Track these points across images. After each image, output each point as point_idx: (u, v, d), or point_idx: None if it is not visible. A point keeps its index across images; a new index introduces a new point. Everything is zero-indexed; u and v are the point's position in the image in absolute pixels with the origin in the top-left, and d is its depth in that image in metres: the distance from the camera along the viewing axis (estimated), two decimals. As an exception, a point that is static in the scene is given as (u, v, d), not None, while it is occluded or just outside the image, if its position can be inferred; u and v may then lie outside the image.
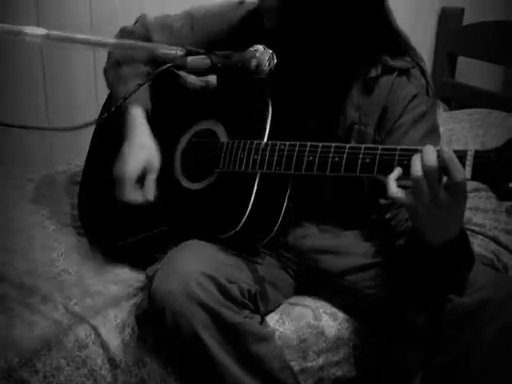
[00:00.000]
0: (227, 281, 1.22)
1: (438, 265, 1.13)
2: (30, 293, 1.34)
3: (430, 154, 1.02)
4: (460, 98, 2.65)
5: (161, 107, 1.44)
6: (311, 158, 1.18)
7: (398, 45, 1.35)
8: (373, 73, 1.32)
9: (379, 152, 1.11)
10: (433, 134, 1.31)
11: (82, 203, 1.62)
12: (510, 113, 2.27)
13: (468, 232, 1.63)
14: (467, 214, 1.74)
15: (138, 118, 1.38)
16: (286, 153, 1.22)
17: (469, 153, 1.01)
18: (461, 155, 1.01)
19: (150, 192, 1.31)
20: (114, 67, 1.50)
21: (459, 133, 2.11)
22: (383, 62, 1.32)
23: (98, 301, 1.33)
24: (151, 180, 1.32)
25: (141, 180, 1.32)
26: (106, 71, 1.53)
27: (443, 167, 1.01)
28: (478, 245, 1.62)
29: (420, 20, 2.67)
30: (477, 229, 1.69)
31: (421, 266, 1.16)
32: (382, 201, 1.28)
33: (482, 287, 1.19)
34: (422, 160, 1.02)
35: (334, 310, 1.39)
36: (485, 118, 2.24)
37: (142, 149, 1.34)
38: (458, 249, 1.11)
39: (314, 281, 1.43)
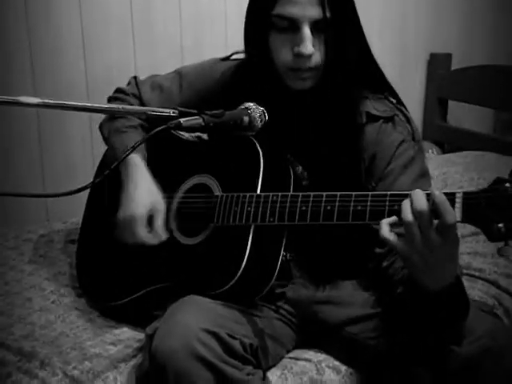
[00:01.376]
0: (229, 336, 1.20)
1: (436, 311, 1.12)
2: (28, 358, 1.32)
3: (419, 198, 1.02)
4: (453, 141, 2.68)
5: (154, 162, 1.45)
6: (304, 208, 1.19)
7: (381, 82, 1.37)
8: (358, 120, 1.33)
9: (370, 199, 1.12)
10: (423, 178, 1.32)
11: (79, 262, 1.62)
12: (503, 154, 2.30)
13: (468, 277, 1.66)
14: (466, 258, 1.74)
15: (139, 164, 1.38)
16: (278, 204, 1.23)
17: (457, 195, 1.01)
18: (450, 197, 1.01)
19: (162, 231, 1.31)
20: (109, 121, 1.52)
21: (454, 176, 2.13)
22: (367, 110, 1.33)
23: (97, 364, 1.31)
24: (160, 220, 1.32)
25: (148, 223, 1.32)
26: (101, 126, 1.55)
27: (434, 210, 1.01)
28: (479, 289, 1.62)
29: (409, 66, 2.72)
30: (476, 273, 1.68)
31: (419, 313, 1.15)
32: (378, 249, 1.28)
33: (480, 336, 1.17)
34: (412, 204, 1.02)
35: (337, 363, 1.37)
36: (478, 160, 2.26)
37: (145, 191, 1.34)
38: (455, 295, 1.11)
39: (314, 332, 1.41)
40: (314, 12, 1.23)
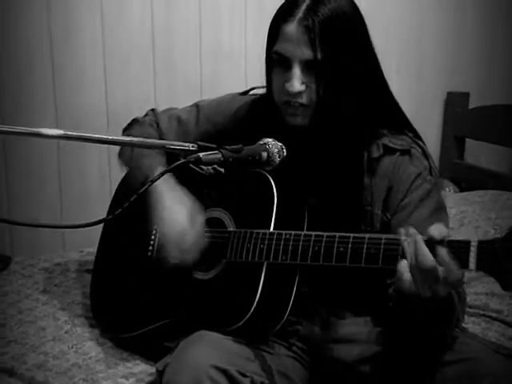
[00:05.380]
0: (239, 373, 1.19)
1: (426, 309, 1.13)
2: (39, 389, 1.32)
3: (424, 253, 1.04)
4: (470, 179, 2.67)
5: None
6: (316, 248, 1.19)
7: (398, 118, 1.38)
8: (375, 153, 1.34)
9: (383, 242, 1.12)
10: (439, 212, 1.31)
11: (93, 292, 1.62)
12: (521, 195, 2.28)
13: (485, 318, 1.63)
14: (484, 299, 1.72)
15: (167, 178, 1.35)
16: (291, 242, 1.23)
17: (472, 243, 1.01)
18: (464, 246, 1.02)
19: (204, 240, 1.31)
20: (128, 149, 1.52)
21: (471, 215, 2.11)
22: (384, 142, 1.34)
23: (108, 396, 1.31)
24: (201, 228, 1.30)
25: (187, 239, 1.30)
26: (120, 155, 1.56)
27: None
28: (496, 331, 1.59)
29: (426, 104, 2.73)
30: (494, 315, 1.66)
31: (411, 319, 1.18)
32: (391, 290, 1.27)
33: (498, 377, 1.15)
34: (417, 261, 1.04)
35: (350, 401, 1.35)
36: (496, 199, 2.24)
37: (183, 204, 1.32)
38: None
39: (327, 371, 1.39)
40: (305, 52, 1.25)
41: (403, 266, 1.07)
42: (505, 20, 2.81)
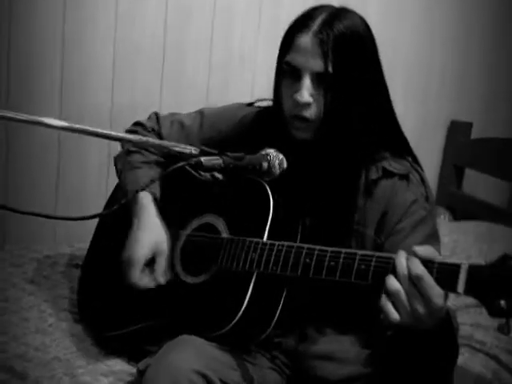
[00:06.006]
0: (220, 380, 1.20)
1: (426, 347, 1.11)
2: (18, 379, 1.31)
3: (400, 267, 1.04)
4: (466, 208, 2.68)
5: (167, 197, 1.46)
6: (308, 261, 1.19)
7: (400, 142, 1.39)
8: (373, 175, 1.34)
9: (374, 259, 1.12)
10: (432, 239, 1.31)
11: (81, 289, 1.62)
12: (515, 228, 2.29)
13: (469, 349, 1.63)
14: (469, 330, 1.72)
15: (147, 203, 1.41)
16: (283, 253, 1.23)
17: (462, 266, 1.01)
18: (454, 268, 1.02)
19: (161, 275, 1.35)
20: (125, 155, 1.54)
21: (463, 245, 2.12)
22: (383, 165, 1.35)
23: (86, 393, 1.30)
24: (161, 263, 1.35)
25: (151, 263, 1.35)
26: (116, 159, 1.57)
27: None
28: (479, 362, 1.59)
29: (429, 131, 2.75)
30: (477, 346, 1.66)
31: (411, 352, 1.15)
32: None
33: None
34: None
35: (329, 420, 1.35)
36: (490, 232, 2.25)
37: (150, 232, 1.37)
38: (445, 330, 1.11)
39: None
40: (317, 64, 1.26)
41: (391, 279, 1.06)
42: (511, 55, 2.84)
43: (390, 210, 1.32)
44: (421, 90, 2.72)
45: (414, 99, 2.69)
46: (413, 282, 1.03)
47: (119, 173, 1.55)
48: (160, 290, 1.37)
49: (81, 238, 1.89)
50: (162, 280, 1.35)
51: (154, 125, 1.59)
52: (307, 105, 1.28)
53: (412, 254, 1.06)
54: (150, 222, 1.39)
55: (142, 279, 1.35)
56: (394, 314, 1.04)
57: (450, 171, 2.74)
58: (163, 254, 1.36)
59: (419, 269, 1.03)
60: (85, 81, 2.13)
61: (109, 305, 1.49)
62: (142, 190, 1.31)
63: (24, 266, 1.84)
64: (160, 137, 1.56)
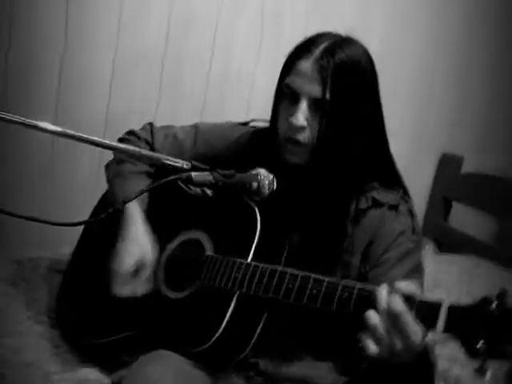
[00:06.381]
0: (193, 398, 1.19)
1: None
2: (-7, 379, 1.31)
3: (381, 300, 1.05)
4: (451, 241, 2.69)
5: (154, 209, 1.46)
6: (290, 286, 1.19)
7: (391, 174, 1.40)
8: (363, 204, 1.35)
9: (356, 291, 1.12)
10: (416, 273, 1.32)
11: (60, 294, 1.61)
12: (499, 266, 2.30)
13: None
14: (446, 364, 1.72)
15: (135, 214, 1.40)
16: (266, 276, 1.23)
17: (443, 305, 1.02)
18: (435, 306, 1.02)
19: (139, 288, 1.34)
20: (116, 163, 1.54)
21: (446, 278, 2.13)
22: (373, 195, 1.35)
23: (59, 400, 1.29)
24: (144, 275, 1.34)
25: (135, 275, 1.34)
26: (107, 166, 1.57)
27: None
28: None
29: (420, 162, 2.76)
30: (453, 381, 1.66)
31: (383, 382, 1.15)
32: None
33: None
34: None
35: None
36: (473, 266, 2.26)
37: (136, 244, 1.36)
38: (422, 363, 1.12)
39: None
40: (315, 90, 1.28)
41: (371, 313, 1.06)
42: (509, 94, 2.87)
43: (376, 240, 1.33)
44: (417, 120, 2.74)
45: (408, 128, 2.71)
46: (392, 317, 1.03)
47: (109, 181, 1.55)
48: (141, 303, 1.36)
49: (65, 243, 1.88)
50: (139, 291, 1.34)
51: (148, 135, 1.59)
52: (301, 128, 1.29)
53: (394, 288, 1.06)
54: (137, 234, 1.38)
55: (123, 291, 1.33)
56: (372, 347, 1.05)
57: (438, 203, 2.76)
58: (147, 267, 1.35)
59: (399, 305, 1.03)
60: (83, 86, 2.12)
61: (87, 313, 1.48)
62: (130, 200, 1.30)
63: (5, 267, 1.83)
64: (152, 148, 1.56)
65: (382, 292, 1.06)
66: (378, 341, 1.04)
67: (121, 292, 1.33)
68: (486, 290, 1.06)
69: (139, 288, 1.34)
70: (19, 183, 2.12)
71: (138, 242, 1.36)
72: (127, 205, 1.38)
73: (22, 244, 2.08)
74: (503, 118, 2.89)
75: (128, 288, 1.34)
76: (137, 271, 1.34)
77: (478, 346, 0.97)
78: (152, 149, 1.56)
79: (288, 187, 1.32)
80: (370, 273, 1.31)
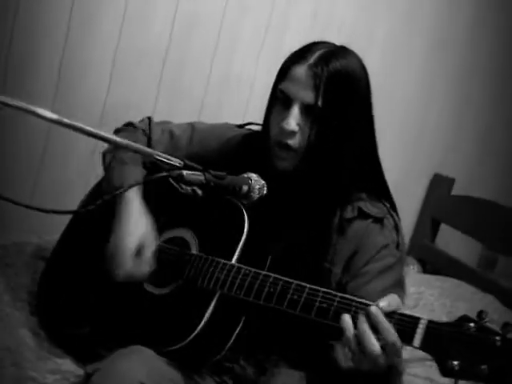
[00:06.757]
0: (164, 396, 1.19)
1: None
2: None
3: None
4: (436, 263, 2.70)
5: (145, 204, 1.46)
6: (272, 290, 1.20)
7: (380, 186, 1.41)
8: (349, 214, 1.36)
9: (337, 300, 1.13)
10: (396, 287, 1.32)
11: (42, 281, 1.60)
12: (480, 289, 2.31)
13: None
14: (421, 383, 1.72)
15: (133, 196, 1.40)
16: (249, 279, 1.23)
17: (422, 321, 1.03)
18: (413, 321, 1.03)
19: (148, 264, 1.33)
20: (113, 150, 1.53)
21: (427, 298, 2.14)
22: (360, 205, 1.36)
23: (30, 387, 1.28)
24: (148, 253, 1.33)
25: (136, 256, 1.33)
26: (104, 153, 1.56)
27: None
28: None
29: (411, 180, 2.77)
30: (427, 400, 1.67)
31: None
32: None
33: None
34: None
35: None
36: (455, 289, 2.27)
37: (137, 224, 1.36)
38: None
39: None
40: (307, 96, 1.29)
41: (347, 319, 1.08)
42: (504, 122, 2.90)
43: (359, 251, 1.34)
44: (410, 137, 2.75)
45: (402, 146, 2.73)
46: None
47: (106, 167, 1.53)
48: (121, 296, 1.36)
49: (52, 230, 1.87)
50: (146, 269, 1.32)
51: (145, 128, 1.59)
52: (292, 133, 1.30)
53: (375, 303, 1.08)
54: (137, 214, 1.37)
55: (129, 270, 1.31)
56: (343, 359, 1.07)
57: (426, 223, 2.77)
58: (149, 246, 1.34)
59: (365, 327, 1.05)
60: (82, 77, 2.12)
61: (67, 302, 1.48)
62: (124, 191, 1.30)
63: (-12, 251, 1.82)
64: (148, 142, 1.56)
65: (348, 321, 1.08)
66: (349, 354, 1.06)
67: (123, 272, 1.31)
68: (466, 312, 1.06)
69: (142, 267, 1.32)
70: (10, 167, 2.12)
71: (138, 222, 1.36)
72: (126, 192, 1.37)
73: (7, 228, 2.07)
74: (498, 143, 2.92)
75: (131, 268, 1.32)
76: (138, 252, 1.33)
77: (453, 365, 0.97)
78: (149, 141, 1.56)
79: (276, 193, 1.32)
80: (349, 283, 1.32)
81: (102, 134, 1.14)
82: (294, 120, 1.30)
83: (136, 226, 1.35)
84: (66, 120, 1.07)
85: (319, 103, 1.28)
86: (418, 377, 1.75)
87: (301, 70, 1.30)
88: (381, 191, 1.41)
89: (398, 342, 1.04)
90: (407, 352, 1.76)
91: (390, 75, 2.56)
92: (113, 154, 1.52)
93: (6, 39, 1.99)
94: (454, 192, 2.76)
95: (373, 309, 1.06)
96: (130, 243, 1.33)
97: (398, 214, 1.41)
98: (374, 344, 1.04)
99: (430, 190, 2.79)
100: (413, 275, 2.43)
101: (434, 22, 2.66)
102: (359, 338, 1.06)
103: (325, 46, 1.34)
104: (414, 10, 2.61)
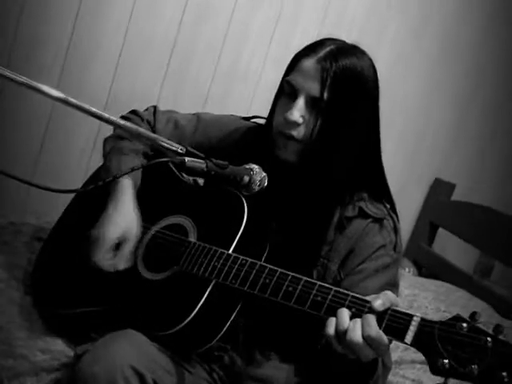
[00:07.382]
0: (153, 382, 1.19)
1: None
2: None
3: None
4: (432, 267, 2.70)
5: (145, 190, 1.46)
6: (267, 281, 1.20)
7: (381, 187, 1.41)
8: (349, 212, 1.36)
9: (332, 293, 1.13)
10: (391, 288, 1.31)
11: (38, 262, 1.60)
12: (475, 296, 2.31)
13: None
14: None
15: (127, 187, 1.40)
16: (245, 269, 1.24)
17: (415, 318, 1.04)
18: (407, 319, 1.04)
19: (122, 262, 1.32)
20: (115, 139, 1.54)
21: (421, 301, 2.14)
22: (361, 205, 1.37)
23: (20, 365, 1.29)
24: (126, 250, 1.33)
25: (116, 248, 1.33)
26: (105, 141, 1.57)
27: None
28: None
29: (412, 183, 2.78)
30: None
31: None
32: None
33: None
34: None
35: None
36: (449, 293, 2.27)
37: (124, 216, 1.35)
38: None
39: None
40: (313, 88, 1.29)
41: (343, 312, 1.09)
42: (504, 130, 2.90)
43: (356, 249, 1.34)
44: (413, 140, 2.76)
45: (404, 148, 2.73)
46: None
47: (106, 155, 1.54)
48: (116, 279, 1.36)
49: (49, 211, 1.87)
50: (121, 266, 1.32)
51: (150, 117, 1.59)
52: (296, 124, 1.31)
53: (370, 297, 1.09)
54: (125, 207, 1.37)
55: (103, 260, 1.31)
56: (335, 344, 1.08)
57: (424, 227, 2.77)
58: (130, 241, 1.34)
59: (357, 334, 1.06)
60: (89, 61, 2.12)
61: (61, 283, 1.48)
62: (122, 175, 1.30)
63: (-15, 229, 1.82)
64: (153, 131, 1.56)
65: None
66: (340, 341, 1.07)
67: (100, 262, 1.31)
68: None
69: (119, 262, 1.32)
70: (12, 147, 2.12)
71: (125, 215, 1.36)
72: (120, 179, 1.37)
73: (5, 207, 2.07)
74: (499, 151, 2.92)
75: (108, 260, 1.32)
76: (119, 245, 1.33)
77: (443, 364, 0.98)
78: (153, 131, 1.56)
79: (276, 185, 1.33)
80: (344, 280, 1.32)
81: (106, 115, 1.15)
82: (298, 111, 1.30)
83: (122, 218, 1.35)
84: (71, 99, 1.07)
85: (325, 97, 1.28)
86: (407, 378, 1.75)
87: (309, 63, 1.30)
88: (382, 192, 1.42)
89: (386, 341, 1.06)
90: (397, 354, 1.79)
91: (393, 79, 2.56)
92: (113, 143, 1.52)
93: (14, 22, 1.98)
94: (453, 197, 2.76)
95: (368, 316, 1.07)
96: (112, 234, 1.32)
97: (397, 216, 1.42)
98: (360, 339, 1.06)
99: (429, 195, 2.79)
100: (408, 278, 2.43)
101: (441, 29, 2.66)
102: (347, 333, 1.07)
103: (336, 42, 1.34)
104: (423, 17, 2.61)
